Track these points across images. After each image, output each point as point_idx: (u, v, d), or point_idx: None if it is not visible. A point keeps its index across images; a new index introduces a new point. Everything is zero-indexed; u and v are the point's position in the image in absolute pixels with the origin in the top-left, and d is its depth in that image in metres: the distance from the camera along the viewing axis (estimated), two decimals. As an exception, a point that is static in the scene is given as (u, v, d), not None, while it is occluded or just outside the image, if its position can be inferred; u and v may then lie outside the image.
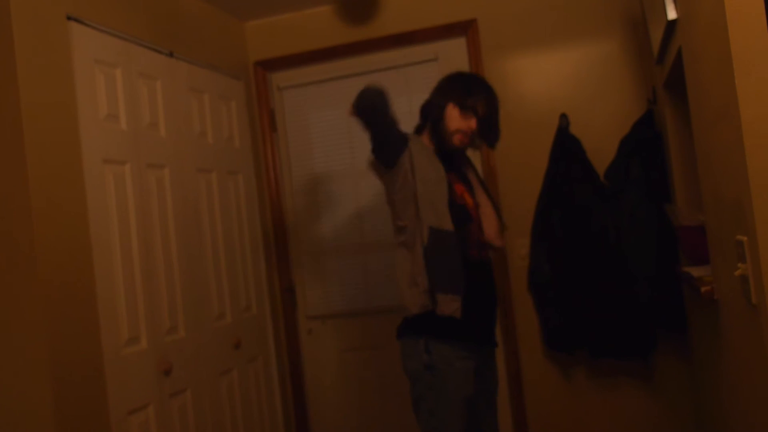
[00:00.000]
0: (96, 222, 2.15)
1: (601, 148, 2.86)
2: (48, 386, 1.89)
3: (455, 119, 2.22)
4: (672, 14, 1.90)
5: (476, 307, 2.17)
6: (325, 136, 3.32)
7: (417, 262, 2.12)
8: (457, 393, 2.11)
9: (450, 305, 2.07)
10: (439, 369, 2.11)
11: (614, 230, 2.74)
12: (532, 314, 3.01)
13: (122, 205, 2.30)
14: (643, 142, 2.73)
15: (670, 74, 2.23)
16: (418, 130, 2.36)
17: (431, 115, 2.28)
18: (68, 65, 2.12)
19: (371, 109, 2.10)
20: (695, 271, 2.05)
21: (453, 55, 3.13)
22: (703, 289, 1.80)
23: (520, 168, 3.00)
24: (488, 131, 2.25)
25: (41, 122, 1.98)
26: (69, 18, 2.14)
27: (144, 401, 2.28)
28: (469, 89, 2.23)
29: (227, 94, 3.09)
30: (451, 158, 2.30)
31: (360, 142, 3.26)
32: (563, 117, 2.87)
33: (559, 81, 3.00)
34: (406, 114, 2.62)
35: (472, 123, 2.22)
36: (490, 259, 2.31)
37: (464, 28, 3.11)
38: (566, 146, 2.86)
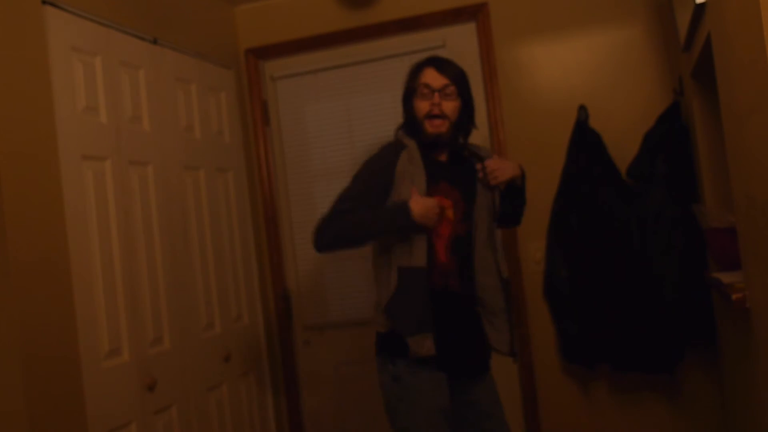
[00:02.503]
0: (74, 224, 2.16)
1: (623, 142, 2.86)
2: (21, 402, 1.89)
3: (418, 106, 2.22)
4: (700, -3, 1.91)
5: (447, 340, 2.15)
6: (322, 131, 3.32)
7: (381, 293, 2.21)
8: (428, 403, 2.12)
9: (423, 345, 2.10)
10: (405, 379, 2.13)
11: (637, 232, 2.74)
12: (548, 323, 3.01)
13: (102, 204, 2.30)
14: (669, 137, 2.73)
15: (698, 62, 2.24)
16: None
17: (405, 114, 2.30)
18: (43, 53, 2.13)
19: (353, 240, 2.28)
20: (725, 277, 2.05)
21: (462, 42, 3.14)
22: (734, 296, 1.80)
23: (535, 164, 2.99)
24: (465, 110, 2.23)
25: (13, 116, 1.98)
26: (44, 2, 2.15)
27: (126, 419, 2.29)
28: (413, 70, 2.26)
29: (216, 84, 3.10)
30: (453, 160, 2.29)
31: (360, 137, 3.28)
32: (582, 109, 2.87)
33: (578, 70, 3.01)
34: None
35: (434, 99, 2.18)
36: (462, 289, 2.23)
37: (474, 13, 3.12)
38: (585, 141, 2.86)
